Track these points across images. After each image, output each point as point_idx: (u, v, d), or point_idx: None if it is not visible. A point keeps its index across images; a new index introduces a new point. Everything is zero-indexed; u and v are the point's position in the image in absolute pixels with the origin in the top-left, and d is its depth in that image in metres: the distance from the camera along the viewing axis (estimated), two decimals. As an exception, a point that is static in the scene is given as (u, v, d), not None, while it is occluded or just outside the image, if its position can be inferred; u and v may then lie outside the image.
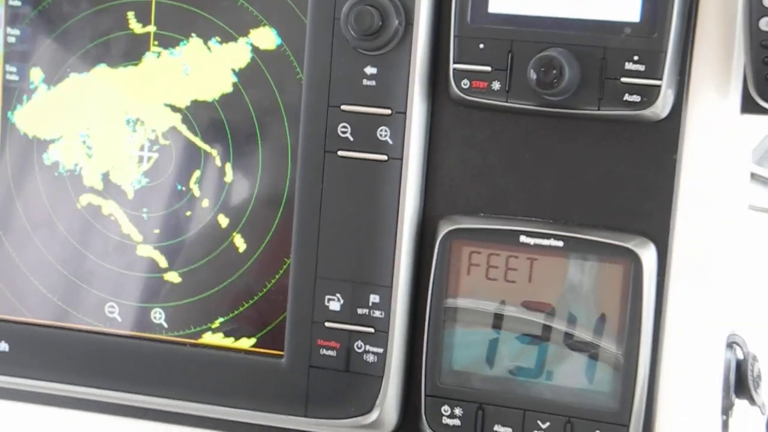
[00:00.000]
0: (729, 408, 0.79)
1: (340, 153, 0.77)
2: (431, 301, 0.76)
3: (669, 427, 0.75)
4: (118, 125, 0.82)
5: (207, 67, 0.80)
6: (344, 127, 0.77)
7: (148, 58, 0.81)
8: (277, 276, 0.80)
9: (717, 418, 0.76)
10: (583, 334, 0.75)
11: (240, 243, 0.81)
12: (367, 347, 0.78)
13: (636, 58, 0.71)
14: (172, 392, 0.82)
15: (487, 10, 0.74)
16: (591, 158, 0.75)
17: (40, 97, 0.84)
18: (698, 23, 0.73)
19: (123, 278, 0.83)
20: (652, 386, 0.75)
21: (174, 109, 0.81)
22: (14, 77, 0.84)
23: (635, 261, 0.73)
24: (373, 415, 0.78)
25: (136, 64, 0.82)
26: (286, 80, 0.79)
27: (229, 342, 0.82)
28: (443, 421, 0.77)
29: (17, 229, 0.85)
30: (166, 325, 0.83)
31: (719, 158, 0.73)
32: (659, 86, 0.71)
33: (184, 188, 0.82)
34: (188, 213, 0.82)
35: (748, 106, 0.73)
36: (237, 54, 0.79)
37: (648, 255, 0.73)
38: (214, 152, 0.81)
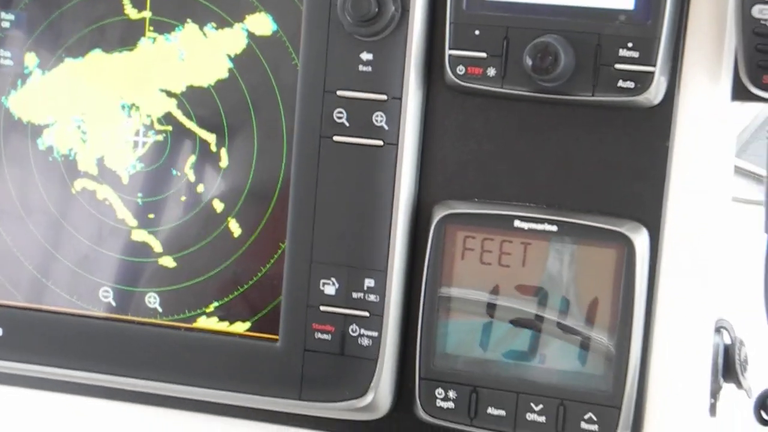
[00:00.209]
0: (717, 391, 0.80)
1: (335, 138, 0.78)
2: (426, 285, 0.77)
3: (660, 409, 0.76)
4: (113, 110, 0.83)
5: (202, 53, 0.80)
6: (340, 112, 0.77)
7: (144, 43, 0.82)
8: (272, 260, 0.81)
9: (706, 400, 0.78)
10: (575, 317, 0.76)
11: (235, 228, 0.81)
12: (362, 331, 0.78)
13: (630, 45, 0.72)
14: (167, 376, 0.82)
15: (483, -3, 0.74)
16: (585, 144, 0.76)
17: (35, 82, 0.84)
18: (691, 10, 0.74)
19: (117, 263, 0.84)
20: (643, 369, 0.76)
21: (169, 94, 0.82)
22: (9, 62, 0.84)
23: (628, 245, 0.74)
24: (368, 398, 0.78)
25: (131, 50, 0.82)
26: (281, 66, 0.79)
27: (224, 326, 0.82)
28: (437, 404, 0.78)
29: (11, 213, 0.85)
30: (160, 310, 0.83)
31: (711, 144, 0.75)
32: (653, 73, 0.72)
33: (179, 173, 0.82)
34: (183, 198, 0.82)
35: (740, 93, 0.74)
36: (233, 40, 0.80)
37: (640, 240, 0.74)
38: (210, 138, 0.81)
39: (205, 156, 0.81)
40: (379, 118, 0.77)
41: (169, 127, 0.82)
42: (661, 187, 0.75)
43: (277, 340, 0.80)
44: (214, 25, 0.80)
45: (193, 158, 0.82)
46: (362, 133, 0.77)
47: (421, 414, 0.78)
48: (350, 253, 0.78)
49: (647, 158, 0.75)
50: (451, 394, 0.77)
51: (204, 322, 0.82)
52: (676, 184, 0.75)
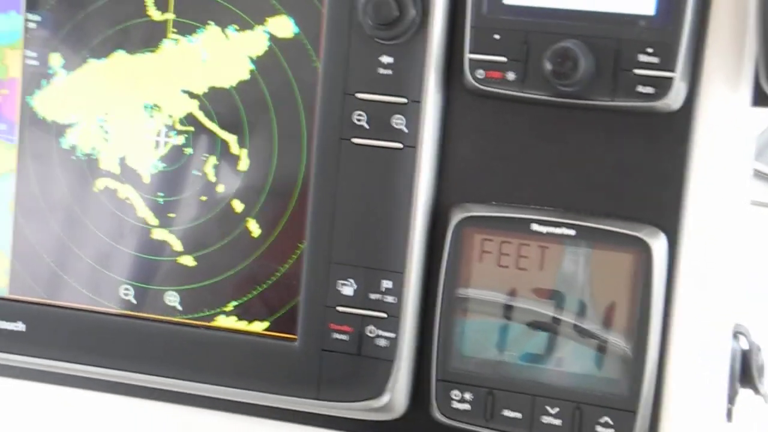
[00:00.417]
0: (734, 397, 0.80)
1: (355, 140, 0.78)
2: (443, 287, 0.78)
3: (676, 413, 0.76)
4: (135, 111, 0.84)
5: (224, 55, 0.81)
6: (360, 115, 0.78)
7: (167, 45, 0.82)
8: (291, 261, 0.81)
9: (722, 406, 0.78)
10: (592, 321, 0.76)
11: (254, 228, 0.82)
12: (379, 332, 0.79)
13: (650, 50, 0.72)
14: (186, 374, 0.83)
15: (503, 2, 0.75)
16: (603, 148, 0.76)
17: (59, 82, 0.85)
18: (711, 16, 0.74)
19: (138, 261, 0.85)
20: (660, 374, 0.76)
21: (191, 95, 0.82)
22: (34, 62, 0.85)
23: (646, 250, 0.74)
24: (384, 399, 0.79)
25: (154, 51, 0.83)
26: (302, 68, 0.80)
27: (243, 325, 0.83)
28: (453, 406, 0.78)
29: (34, 211, 0.86)
30: (180, 308, 0.84)
31: (729, 150, 0.75)
32: (672, 78, 0.72)
33: (199, 174, 0.83)
34: (203, 198, 0.83)
35: (759, 99, 0.74)
36: (254, 42, 0.81)
37: (658, 244, 0.74)
38: (230, 138, 0.82)
39: (226, 157, 0.82)
40: (398, 121, 0.77)
41: (191, 128, 0.83)
42: (680, 192, 0.75)
43: (295, 339, 0.81)
44: (236, 27, 0.81)
45: (213, 159, 0.82)
46: (381, 136, 0.78)
47: (437, 415, 0.78)
48: (368, 254, 0.79)
49: (666, 163, 0.75)
50: (467, 395, 0.78)
51: (223, 321, 0.83)
52: (694, 190, 0.75)
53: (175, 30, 0.82)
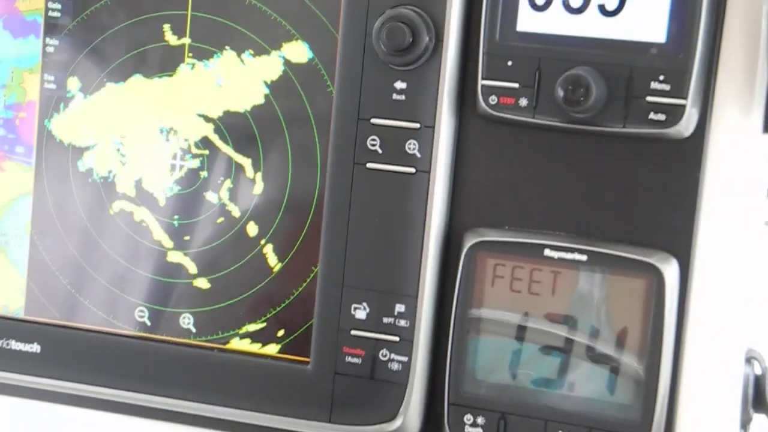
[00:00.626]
0: (747, 422, 0.80)
1: (368, 165, 0.79)
2: (456, 311, 0.78)
3: (688, 439, 0.76)
4: (151, 134, 0.84)
5: (240, 79, 0.82)
6: (373, 139, 0.79)
7: (183, 69, 0.83)
8: (305, 284, 0.82)
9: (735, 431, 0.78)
10: (605, 346, 0.76)
11: (268, 251, 0.83)
12: (392, 355, 0.79)
13: (662, 77, 0.72)
14: (200, 396, 0.83)
15: (516, 29, 0.75)
16: (615, 174, 0.76)
17: (77, 106, 0.86)
18: (723, 44, 0.74)
19: (153, 283, 0.85)
20: (672, 399, 0.76)
21: (207, 119, 0.83)
22: (52, 86, 0.86)
23: (658, 276, 0.74)
24: (397, 423, 0.79)
25: (170, 75, 0.84)
26: (316, 93, 0.81)
27: (256, 348, 0.83)
28: (466, 430, 0.78)
29: (51, 233, 0.87)
30: (194, 330, 0.85)
31: (742, 176, 0.75)
32: (684, 105, 0.72)
33: (214, 197, 0.84)
34: (218, 221, 0.84)
35: (771, 125, 0.75)
36: (269, 67, 0.81)
37: (670, 270, 0.75)
38: (245, 162, 0.83)
39: (241, 180, 0.83)
40: (411, 146, 0.78)
41: (206, 151, 0.84)
42: (692, 219, 0.75)
43: (308, 362, 0.81)
44: (252, 52, 0.82)
45: (228, 182, 0.83)
46: (395, 161, 0.78)
47: (450, 439, 0.79)
48: (381, 278, 0.79)
49: (678, 189, 0.75)
50: (480, 420, 0.78)
51: (237, 344, 0.84)
52: (706, 216, 0.75)
53: (191, 55, 0.83)
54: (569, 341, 0.77)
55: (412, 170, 0.78)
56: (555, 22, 0.75)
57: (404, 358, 0.79)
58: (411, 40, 0.76)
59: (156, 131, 0.84)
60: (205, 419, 0.85)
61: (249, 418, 0.83)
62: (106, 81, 0.85)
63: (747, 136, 0.75)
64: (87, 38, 0.85)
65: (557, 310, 0.77)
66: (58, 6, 0.85)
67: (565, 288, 0.77)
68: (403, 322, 0.79)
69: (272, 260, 0.83)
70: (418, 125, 0.78)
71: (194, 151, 0.84)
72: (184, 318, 0.85)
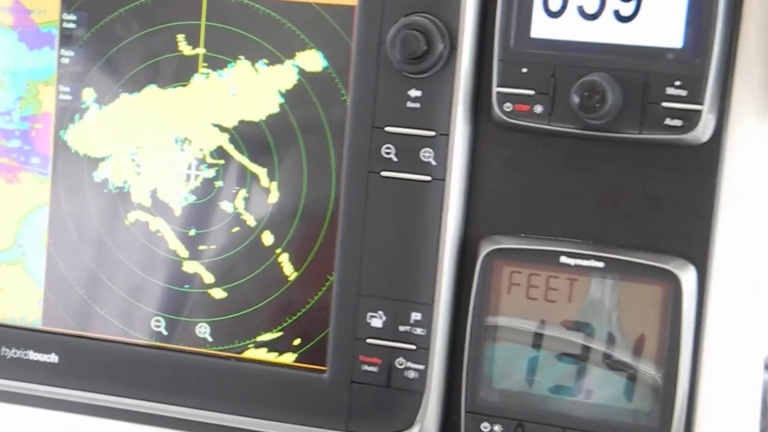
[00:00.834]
0: (766, 429, 0.80)
1: (383, 173, 0.79)
2: (472, 319, 0.78)
3: (707, 447, 0.76)
4: (166, 144, 0.85)
5: (254, 89, 0.82)
6: (388, 148, 0.78)
7: (197, 79, 0.83)
8: (320, 293, 0.82)
9: (754, 438, 0.77)
10: (622, 354, 0.76)
11: (284, 260, 0.83)
12: (409, 364, 0.79)
13: (678, 83, 0.72)
14: (216, 405, 0.83)
15: (530, 35, 0.75)
16: (632, 180, 0.76)
17: (92, 117, 0.86)
18: (739, 48, 0.74)
19: (169, 293, 0.85)
20: (690, 406, 0.75)
21: (221, 129, 0.83)
22: (67, 97, 0.86)
23: (675, 283, 0.74)
24: (414, 431, 0.79)
25: (185, 85, 0.84)
26: (331, 102, 0.81)
27: (273, 357, 0.83)
28: (483, 438, 0.78)
29: (67, 243, 0.87)
30: (210, 340, 0.85)
31: (759, 181, 0.74)
32: (700, 111, 0.72)
33: (229, 206, 0.84)
34: (234, 230, 0.84)
35: (788, 130, 0.74)
36: (284, 76, 0.81)
37: (688, 277, 0.74)
38: (260, 171, 0.83)
39: (256, 189, 0.83)
40: (426, 154, 0.78)
41: (221, 161, 0.84)
42: (709, 225, 0.75)
43: (324, 371, 0.81)
44: (266, 61, 0.82)
45: (243, 191, 0.83)
46: (410, 169, 0.78)
47: (467, 447, 0.79)
48: (397, 286, 0.79)
49: (695, 195, 0.75)
50: (497, 427, 0.78)
51: (253, 353, 0.84)
52: (724, 222, 0.75)
53: (205, 64, 0.83)
54: (586, 348, 0.77)
55: (428, 178, 0.78)
56: (570, 29, 0.74)
57: (421, 366, 0.79)
58: (425, 47, 0.76)
59: (171, 141, 0.85)
60: (222, 428, 0.85)
61: (265, 427, 0.83)
62: (121, 92, 0.85)
63: (764, 141, 0.74)
64: (101, 49, 0.85)
65: (574, 317, 0.77)
66: (73, 18, 0.85)
67: (581, 295, 0.76)
68: (419, 330, 0.79)
69: (288, 269, 0.83)
70: (432, 133, 0.78)
71: (209, 160, 0.84)
72: (200, 327, 0.85)
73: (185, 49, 0.83)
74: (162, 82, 0.84)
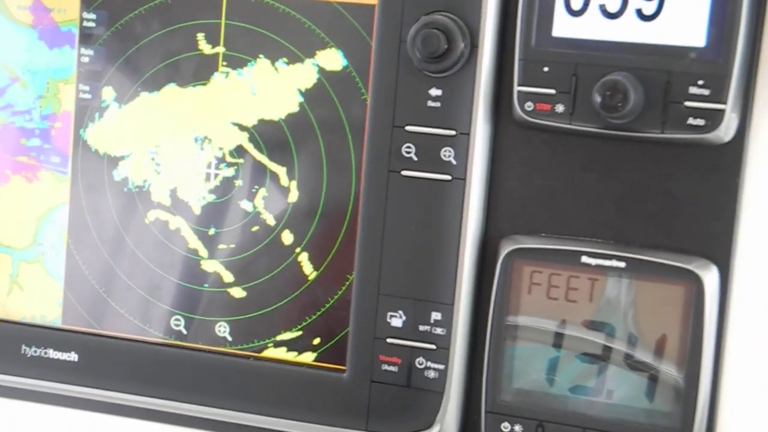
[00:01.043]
0: (788, 430, 0.79)
1: (404, 172, 0.78)
2: (492, 319, 0.78)
3: (729, 448, 0.76)
4: (186, 143, 0.85)
5: (274, 88, 0.82)
6: (408, 147, 0.78)
7: (217, 78, 0.83)
8: (340, 292, 0.82)
9: (776, 439, 0.77)
10: (643, 354, 0.75)
11: (304, 259, 0.83)
12: (429, 363, 0.79)
13: (701, 82, 0.71)
14: (235, 404, 0.83)
15: (552, 34, 0.75)
16: (653, 180, 0.76)
17: (112, 115, 0.86)
18: (763, 46, 0.73)
19: (189, 292, 0.85)
20: (712, 407, 0.75)
21: (241, 127, 0.83)
22: (87, 95, 0.86)
23: (697, 283, 0.73)
24: (434, 431, 0.79)
25: (204, 84, 0.84)
26: (351, 101, 0.80)
27: (292, 356, 0.83)
28: (503, 438, 0.78)
29: (87, 242, 0.87)
30: (230, 339, 0.85)
31: (782, 182, 0.74)
32: (723, 110, 0.71)
33: (249, 205, 0.84)
34: (253, 229, 0.84)
35: (812, 130, 0.74)
36: (304, 75, 0.81)
37: (710, 277, 0.74)
38: (280, 170, 0.83)
39: (276, 188, 0.83)
40: (447, 153, 0.78)
41: (241, 160, 0.84)
42: (732, 225, 0.74)
43: (344, 370, 0.81)
44: (286, 60, 0.82)
45: (263, 190, 0.83)
46: (430, 168, 0.78)
47: (487, 447, 0.78)
48: (417, 286, 0.79)
49: (717, 195, 0.74)
50: (517, 427, 0.78)
51: (272, 352, 0.84)
52: (746, 222, 0.74)
53: (225, 63, 0.83)
54: (607, 348, 0.76)
55: (448, 177, 0.78)
56: (591, 27, 0.74)
57: (441, 366, 0.79)
58: (446, 46, 0.76)
59: (190, 140, 0.85)
60: (241, 427, 0.85)
61: (285, 426, 0.83)
62: (141, 90, 0.85)
63: (787, 141, 0.74)
64: (121, 48, 0.85)
65: (595, 317, 0.76)
66: (93, 16, 0.85)
67: (603, 295, 0.76)
68: (439, 330, 0.79)
69: (307, 268, 0.83)
70: (453, 132, 0.77)
71: (229, 159, 0.84)
72: (219, 326, 0.85)
73: (205, 47, 0.83)
74: (182, 81, 0.84)
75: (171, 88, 0.84)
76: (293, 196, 0.83)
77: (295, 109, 0.82)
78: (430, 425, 0.79)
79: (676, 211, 0.75)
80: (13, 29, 0.87)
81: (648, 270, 0.75)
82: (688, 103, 0.72)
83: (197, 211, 0.85)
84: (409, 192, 0.78)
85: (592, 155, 0.77)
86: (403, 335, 0.79)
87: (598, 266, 0.76)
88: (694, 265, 0.74)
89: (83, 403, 0.88)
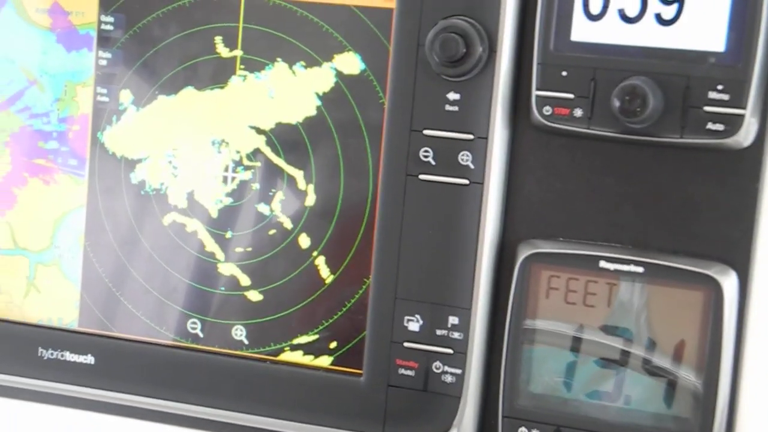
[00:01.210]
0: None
1: (421, 177, 0.78)
2: (510, 323, 0.77)
3: (748, 454, 0.75)
4: (203, 146, 0.85)
5: (291, 91, 0.82)
6: (426, 151, 0.78)
7: (234, 81, 0.83)
8: (357, 295, 0.82)
9: (795, 446, 0.77)
10: (661, 359, 0.75)
11: (321, 263, 0.83)
12: (446, 368, 0.79)
13: (720, 87, 0.71)
14: (252, 408, 0.83)
15: (570, 38, 0.75)
16: (672, 184, 0.75)
17: (129, 118, 0.86)
18: (783, 53, 0.73)
19: (205, 295, 0.86)
20: (731, 413, 0.75)
21: (258, 131, 0.83)
22: (105, 98, 0.86)
23: (716, 288, 0.73)
24: (451, 435, 0.79)
25: (222, 87, 0.84)
26: (369, 104, 0.80)
27: (309, 360, 0.83)
28: (520, 443, 0.78)
29: (104, 245, 0.87)
30: (246, 342, 0.85)
31: (802, 187, 0.74)
32: (743, 115, 0.71)
33: (266, 209, 0.84)
34: (270, 233, 0.84)
35: (832, 135, 0.73)
36: (321, 78, 0.81)
37: (729, 282, 0.74)
38: (297, 174, 0.83)
39: (293, 192, 0.83)
40: (465, 158, 0.77)
41: (258, 163, 0.84)
42: (751, 230, 0.74)
43: (360, 374, 0.81)
44: (304, 64, 0.82)
45: (280, 194, 0.83)
46: (448, 172, 0.78)
47: (504, 452, 0.78)
48: (435, 290, 0.79)
49: (736, 200, 0.74)
50: (534, 432, 0.78)
51: (289, 356, 0.84)
52: (765, 227, 0.74)
53: (243, 67, 0.83)
54: (625, 353, 0.76)
55: (466, 182, 0.78)
56: (610, 32, 0.74)
57: (458, 371, 0.79)
58: (464, 50, 0.75)
59: (208, 143, 0.85)
60: (257, 431, 0.85)
61: (301, 430, 0.83)
62: (158, 93, 0.85)
63: (807, 146, 0.74)
64: (139, 51, 0.85)
65: (613, 322, 0.76)
66: (111, 20, 0.85)
67: (620, 300, 0.76)
68: (456, 335, 0.78)
69: (324, 272, 0.83)
70: (471, 136, 0.77)
71: (246, 163, 0.84)
72: (236, 330, 0.85)
73: (223, 51, 0.83)
74: (199, 84, 0.84)
75: (188, 92, 0.84)
76: (310, 199, 0.83)
77: (313, 112, 0.82)
78: (447, 430, 0.79)
79: (695, 216, 0.75)
80: (32, 32, 0.88)
81: (666, 275, 0.74)
82: (707, 108, 0.72)
83: (214, 214, 0.85)
84: (427, 196, 0.78)
85: (611, 160, 0.77)
86: (420, 339, 0.79)
87: (616, 271, 0.75)
88: (712, 271, 0.74)
89: (99, 406, 0.88)
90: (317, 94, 0.82)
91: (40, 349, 0.88)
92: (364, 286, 0.81)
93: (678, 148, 0.74)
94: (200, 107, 0.84)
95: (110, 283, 0.87)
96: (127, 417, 0.88)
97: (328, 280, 0.82)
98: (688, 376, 0.74)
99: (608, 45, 0.74)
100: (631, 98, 0.72)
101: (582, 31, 0.74)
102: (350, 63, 0.81)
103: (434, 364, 0.79)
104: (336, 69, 0.81)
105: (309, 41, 0.81)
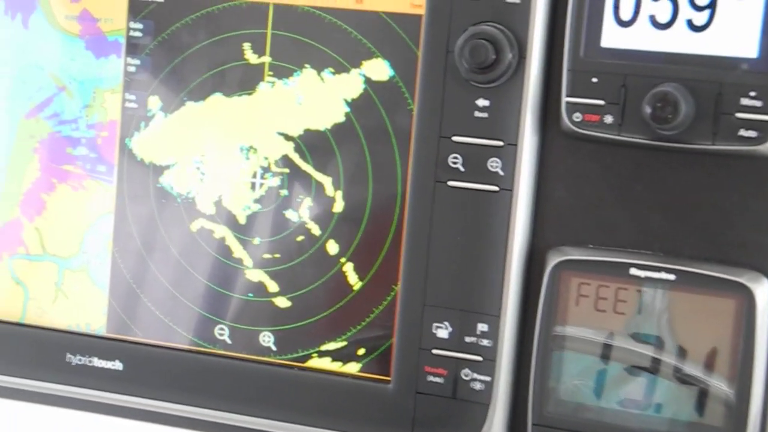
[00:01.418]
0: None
1: (450, 183, 0.78)
2: (539, 330, 0.77)
3: (780, 463, 0.75)
4: (231, 152, 0.85)
5: (320, 97, 0.82)
6: (455, 157, 0.78)
7: (263, 87, 0.84)
8: (385, 302, 0.82)
9: (827, 455, 0.76)
10: (693, 367, 0.75)
11: (348, 269, 0.82)
12: (475, 375, 0.79)
13: (753, 93, 0.71)
14: (280, 414, 0.83)
15: (600, 45, 0.74)
16: (703, 191, 0.75)
17: (157, 125, 0.86)
18: (815, 59, 0.73)
19: (233, 302, 0.86)
20: (764, 421, 0.74)
21: (287, 137, 0.83)
22: (133, 105, 0.87)
23: (748, 296, 0.73)
24: (479, 443, 0.79)
25: (250, 94, 0.84)
26: (397, 111, 0.80)
27: (337, 366, 0.83)
28: (550, 451, 0.77)
29: (132, 251, 0.88)
30: (274, 349, 0.85)
31: (835, 194, 0.73)
32: (776, 122, 0.71)
33: (294, 215, 0.84)
34: (298, 239, 0.84)
35: None
36: (350, 85, 0.81)
37: (761, 290, 0.73)
38: (325, 180, 0.83)
39: (321, 198, 0.83)
40: (494, 164, 0.77)
41: (286, 170, 0.84)
42: (783, 237, 0.74)
43: (389, 381, 0.81)
44: (332, 70, 0.82)
45: (308, 200, 0.83)
46: (477, 179, 0.78)
47: (533, 460, 0.78)
48: (463, 297, 0.78)
49: (768, 207, 0.74)
50: (564, 441, 0.77)
51: (317, 362, 0.84)
52: (798, 234, 0.74)
53: (271, 73, 0.83)
54: (656, 361, 0.76)
55: (495, 188, 0.77)
56: (641, 38, 0.73)
57: (487, 378, 0.78)
58: (494, 57, 0.75)
59: (236, 150, 0.85)
60: (286, 437, 0.85)
61: (329, 437, 0.83)
62: (186, 100, 0.85)
63: (840, 153, 0.73)
64: (167, 57, 0.85)
65: (643, 330, 0.76)
66: (140, 26, 0.86)
67: (651, 308, 0.75)
68: (485, 342, 0.78)
69: (352, 278, 0.82)
70: (501, 143, 0.77)
71: (274, 169, 0.84)
72: (264, 336, 0.85)
73: (251, 57, 0.84)
74: (227, 91, 0.84)
75: (217, 98, 0.85)
76: (338, 206, 0.83)
77: (341, 119, 0.82)
78: (475, 437, 0.79)
79: (727, 223, 0.75)
80: (61, 38, 0.88)
81: (698, 282, 0.74)
82: (739, 115, 0.71)
83: (242, 220, 0.85)
84: (456, 202, 0.78)
85: (641, 166, 0.76)
86: (449, 346, 0.79)
87: (647, 278, 0.75)
88: (744, 278, 0.73)
89: (127, 412, 0.88)
90: (346, 101, 0.82)
91: (68, 355, 0.88)
92: (392, 293, 0.81)
93: (709, 154, 0.73)
94: (228, 114, 0.84)
95: (138, 289, 0.88)
96: (154, 423, 0.89)
97: (356, 287, 0.82)
98: (719, 385, 0.74)
99: (639, 51, 0.73)
100: (662, 105, 0.71)
101: (612, 37, 0.74)
102: (379, 69, 0.81)
103: (463, 371, 0.79)
104: (364, 75, 0.81)
105: (337, 48, 0.81)
